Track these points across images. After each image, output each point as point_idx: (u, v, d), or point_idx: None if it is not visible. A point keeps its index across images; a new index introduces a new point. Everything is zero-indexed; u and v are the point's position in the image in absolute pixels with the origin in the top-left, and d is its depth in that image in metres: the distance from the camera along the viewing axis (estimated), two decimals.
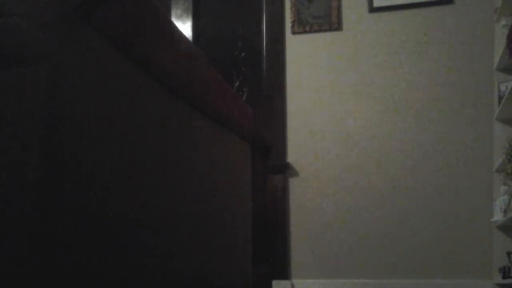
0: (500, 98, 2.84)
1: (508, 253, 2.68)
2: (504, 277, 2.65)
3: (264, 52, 3.38)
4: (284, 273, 3.16)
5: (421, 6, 3.11)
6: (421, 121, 3.07)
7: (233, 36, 3.57)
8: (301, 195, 3.20)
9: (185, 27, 3.59)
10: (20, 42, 0.70)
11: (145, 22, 0.94)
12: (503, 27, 2.78)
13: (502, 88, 2.84)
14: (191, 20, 3.59)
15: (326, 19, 3.24)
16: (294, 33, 3.30)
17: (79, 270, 0.74)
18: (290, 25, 3.31)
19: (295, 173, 3.22)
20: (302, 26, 3.28)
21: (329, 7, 3.24)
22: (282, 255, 3.18)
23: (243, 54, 3.53)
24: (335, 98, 3.20)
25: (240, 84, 3.51)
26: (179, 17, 3.60)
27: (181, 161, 1.12)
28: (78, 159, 0.74)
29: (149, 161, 0.97)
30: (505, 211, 2.70)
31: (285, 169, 3.22)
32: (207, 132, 1.30)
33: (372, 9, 3.17)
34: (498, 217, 2.75)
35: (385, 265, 3.04)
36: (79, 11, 0.75)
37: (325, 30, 3.24)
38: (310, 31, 3.27)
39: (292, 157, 3.24)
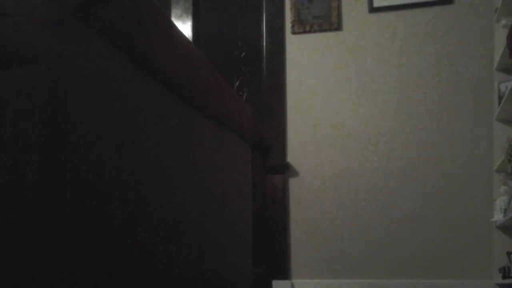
0: (500, 98, 2.84)
1: (508, 253, 2.68)
2: (504, 277, 2.65)
3: (264, 52, 3.38)
4: (284, 273, 3.16)
5: (421, 6, 3.11)
6: (421, 121, 3.07)
7: (233, 36, 3.57)
8: (301, 195, 3.20)
9: (185, 27, 3.59)
10: (20, 42, 0.70)
11: (145, 22, 0.94)
12: (503, 27, 2.78)
13: (502, 88, 2.84)
14: (191, 20, 3.59)
15: (326, 19, 3.24)
16: (294, 33, 3.30)
17: (80, 270, 0.74)
18: (290, 25, 3.31)
19: (295, 173, 3.22)
20: (302, 26, 3.28)
21: (329, 7, 3.24)
22: (282, 255, 3.18)
23: (243, 54, 3.53)
24: (335, 98, 3.20)
25: (240, 84, 3.51)
26: (179, 17, 3.60)
27: (181, 161, 1.12)
28: (78, 159, 0.74)
29: (149, 161, 0.97)
30: (505, 211, 2.70)
31: (285, 169, 3.22)
32: (207, 132, 1.30)
33: (372, 9, 3.17)
34: (498, 217, 2.75)
35: (385, 265, 3.04)
36: (79, 11, 0.75)
37: (325, 30, 3.24)
38: (310, 31, 3.27)
39: (292, 157, 3.24)
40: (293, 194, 3.22)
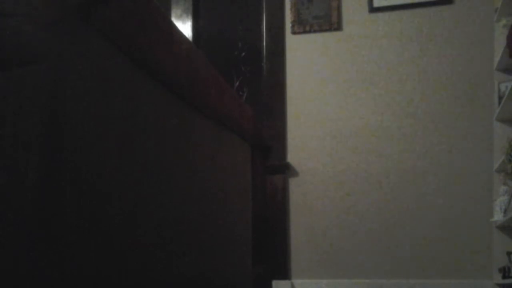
0: (500, 98, 2.84)
1: (508, 253, 2.68)
2: (504, 277, 2.65)
3: (264, 52, 3.38)
4: (284, 273, 3.16)
5: (421, 6, 3.11)
6: (421, 121, 3.07)
7: (233, 36, 3.57)
8: (301, 195, 3.20)
9: (185, 27, 3.59)
10: (20, 42, 0.70)
11: (145, 22, 0.94)
12: (503, 27, 2.78)
13: (502, 88, 2.84)
14: (191, 20, 3.59)
15: (326, 19, 3.24)
16: (294, 33, 3.30)
17: (80, 270, 0.74)
18: (290, 25, 3.31)
19: (295, 173, 3.22)
20: (302, 26, 3.28)
21: (329, 7, 3.24)
22: (282, 255, 3.18)
23: (243, 54, 3.53)
24: (335, 98, 3.20)
25: (240, 84, 3.51)
26: (179, 17, 3.60)
27: (181, 161, 1.12)
28: (78, 159, 0.74)
29: (149, 161, 0.97)
30: (505, 211, 2.70)
31: (285, 169, 3.22)
32: (207, 132, 1.30)
33: (372, 9, 3.17)
34: (498, 217, 2.75)
35: (385, 265, 3.04)
36: (79, 11, 0.75)
37: (325, 30, 3.24)
38: (310, 31, 3.27)
39: (292, 157, 3.24)
40: (293, 194, 3.22)
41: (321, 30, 3.25)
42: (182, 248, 1.11)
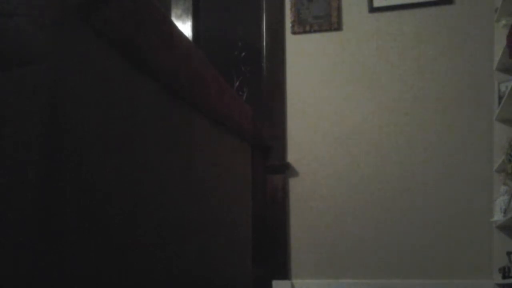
0: (500, 98, 2.84)
1: (508, 253, 2.68)
2: (504, 277, 2.65)
3: (264, 52, 3.38)
4: (284, 273, 3.16)
5: (421, 6, 3.11)
6: (421, 121, 3.07)
7: (233, 36, 3.57)
8: (301, 195, 3.20)
9: (185, 27, 3.59)
10: (20, 42, 0.70)
11: (145, 22, 0.94)
12: (503, 27, 2.78)
13: (502, 88, 2.84)
14: (191, 20, 3.59)
15: (326, 19, 3.24)
16: (294, 33, 3.30)
17: (80, 270, 0.74)
18: (290, 25, 3.31)
19: (295, 173, 3.22)
20: (302, 26, 3.28)
21: (329, 7, 3.24)
22: (282, 255, 3.18)
23: (243, 54, 3.53)
24: (335, 98, 3.20)
25: (240, 84, 3.51)
26: (179, 17, 3.60)
27: (181, 161, 1.12)
28: (78, 159, 0.74)
29: (149, 161, 0.97)
30: (505, 211, 2.70)
31: (285, 169, 3.22)
32: (207, 132, 1.30)
33: (372, 9, 3.17)
34: (498, 217, 2.75)
35: (385, 265, 3.04)
36: (79, 11, 0.75)
37: (325, 30, 3.24)
38: (310, 31, 3.27)
39: (292, 157, 3.24)
40: (293, 194, 3.22)
41: (321, 30, 3.25)
42: (182, 248, 1.11)
